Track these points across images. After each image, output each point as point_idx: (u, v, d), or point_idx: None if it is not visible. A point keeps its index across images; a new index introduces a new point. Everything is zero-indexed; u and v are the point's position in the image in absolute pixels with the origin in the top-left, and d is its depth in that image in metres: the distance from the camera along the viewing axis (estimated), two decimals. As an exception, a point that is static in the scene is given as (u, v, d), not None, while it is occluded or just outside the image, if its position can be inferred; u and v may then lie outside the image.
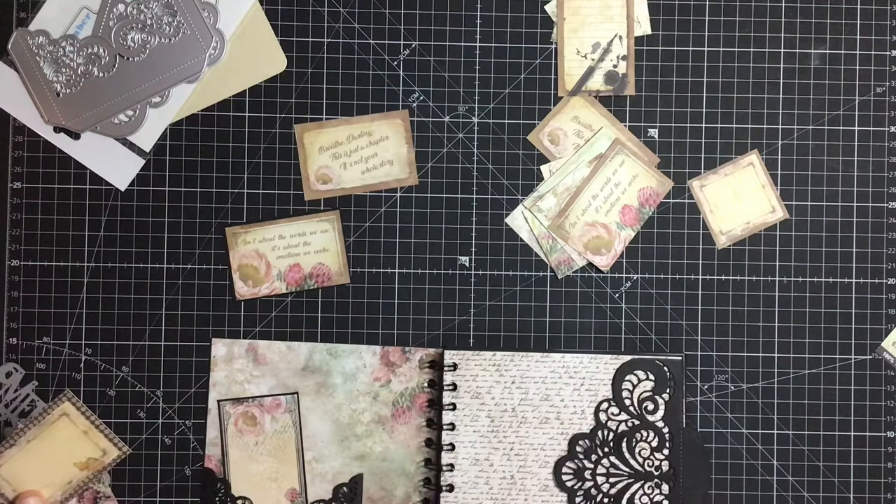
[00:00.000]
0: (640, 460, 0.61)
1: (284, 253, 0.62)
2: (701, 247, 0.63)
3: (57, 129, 0.62)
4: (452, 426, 0.61)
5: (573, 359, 0.62)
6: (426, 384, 0.62)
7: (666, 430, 0.62)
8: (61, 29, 0.61)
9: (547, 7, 0.63)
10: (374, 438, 0.62)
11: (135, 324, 0.62)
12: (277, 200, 0.63)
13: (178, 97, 0.62)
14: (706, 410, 0.63)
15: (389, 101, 0.63)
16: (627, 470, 0.61)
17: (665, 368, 0.62)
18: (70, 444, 0.59)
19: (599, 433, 0.62)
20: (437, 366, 0.62)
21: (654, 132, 0.63)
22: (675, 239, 0.63)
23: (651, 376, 0.62)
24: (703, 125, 0.63)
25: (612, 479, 0.61)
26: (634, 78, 0.63)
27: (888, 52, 0.64)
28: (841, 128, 0.64)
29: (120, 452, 0.60)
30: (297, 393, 0.62)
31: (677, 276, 0.63)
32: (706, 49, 0.63)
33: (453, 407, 0.61)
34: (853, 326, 0.63)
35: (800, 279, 0.63)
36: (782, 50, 0.64)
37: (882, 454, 0.63)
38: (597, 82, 0.63)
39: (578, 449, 0.61)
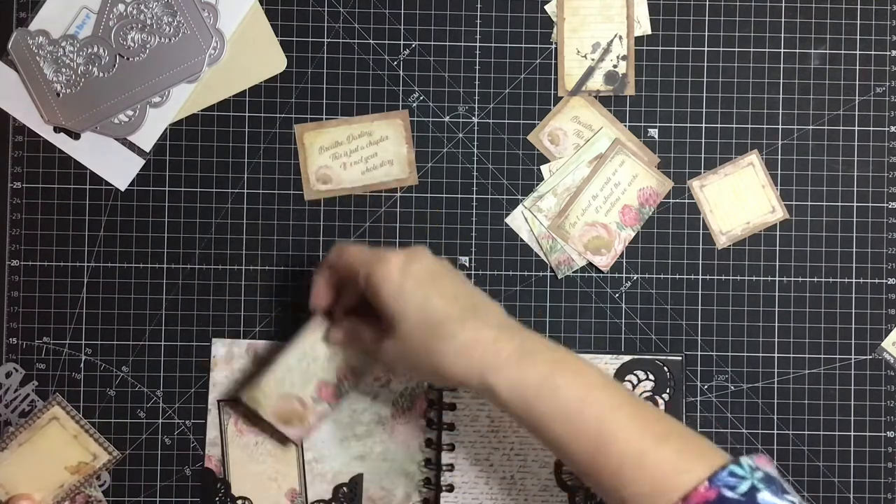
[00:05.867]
0: (640, 460, 0.61)
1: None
2: (701, 247, 0.63)
3: (57, 129, 0.62)
4: (452, 426, 0.61)
5: (573, 359, 0.62)
6: (426, 384, 0.62)
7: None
8: (61, 29, 0.61)
9: (547, 7, 0.63)
10: (374, 438, 0.62)
11: (135, 324, 0.62)
12: (277, 200, 0.63)
13: (178, 97, 0.62)
14: (706, 410, 0.63)
15: (389, 101, 0.63)
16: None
17: (665, 368, 0.62)
18: (61, 447, 0.59)
19: (599, 433, 0.62)
20: (437, 366, 0.62)
21: (654, 132, 0.63)
22: (675, 239, 0.63)
23: (651, 376, 0.62)
24: (703, 125, 0.63)
25: (612, 479, 0.61)
26: (634, 78, 0.63)
27: (888, 52, 0.64)
28: (841, 128, 0.64)
29: (110, 457, 0.60)
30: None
31: (677, 276, 0.63)
32: (706, 49, 0.63)
33: (453, 407, 0.61)
34: (853, 326, 0.63)
35: (800, 279, 0.63)
36: (782, 50, 0.64)
37: (882, 454, 0.63)
38: (597, 82, 0.63)
39: (578, 449, 0.61)
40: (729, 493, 0.44)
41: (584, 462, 0.47)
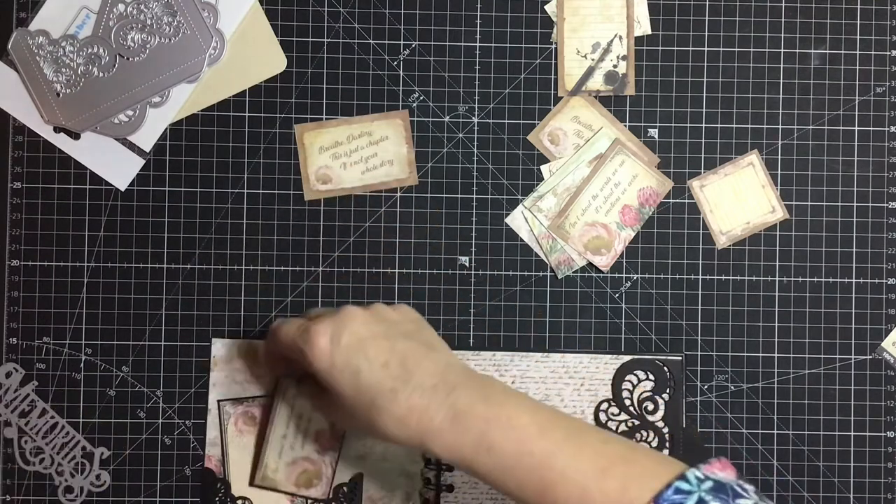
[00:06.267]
0: (640, 460, 0.61)
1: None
2: (701, 247, 0.63)
3: (57, 129, 0.62)
4: (452, 426, 0.61)
5: (573, 359, 0.62)
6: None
7: (666, 430, 0.62)
8: (61, 29, 0.61)
9: (547, 7, 0.63)
10: (375, 438, 0.62)
11: (135, 324, 0.62)
12: (277, 200, 0.63)
13: (178, 97, 0.62)
14: (706, 410, 0.63)
15: (389, 101, 0.63)
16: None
17: (665, 368, 0.62)
18: None
19: (599, 433, 0.62)
20: (437, 366, 0.62)
21: (654, 132, 0.63)
22: (675, 239, 0.63)
23: (651, 376, 0.62)
24: (703, 125, 0.63)
25: (612, 479, 0.61)
26: (634, 78, 0.63)
27: (888, 52, 0.64)
28: (841, 128, 0.64)
29: None
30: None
31: (677, 276, 0.63)
32: (706, 49, 0.63)
33: (453, 407, 0.61)
34: (853, 326, 0.63)
35: (800, 279, 0.63)
36: (782, 50, 0.64)
37: (882, 454, 0.63)
38: (597, 82, 0.63)
39: (578, 449, 0.61)
40: None
41: (538, 502, 0.47)
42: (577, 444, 0.47)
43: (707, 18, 0.63)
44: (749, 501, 0.44)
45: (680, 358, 0.62)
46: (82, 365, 0.62)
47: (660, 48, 0.63)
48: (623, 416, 0.62)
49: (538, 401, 0.50)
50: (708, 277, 0.63)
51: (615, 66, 0.63)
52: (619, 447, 0.48)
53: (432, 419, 0.49)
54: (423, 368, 0.50)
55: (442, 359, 0.51)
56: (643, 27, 0.63)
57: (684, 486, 0.44)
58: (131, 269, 0.62)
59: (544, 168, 0.63)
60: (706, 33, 0.63)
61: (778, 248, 0.63)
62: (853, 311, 0.63)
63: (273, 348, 0.57)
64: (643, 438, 0.61)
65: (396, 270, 0.63)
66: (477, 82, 0.63)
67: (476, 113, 0.63)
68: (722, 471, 0.46)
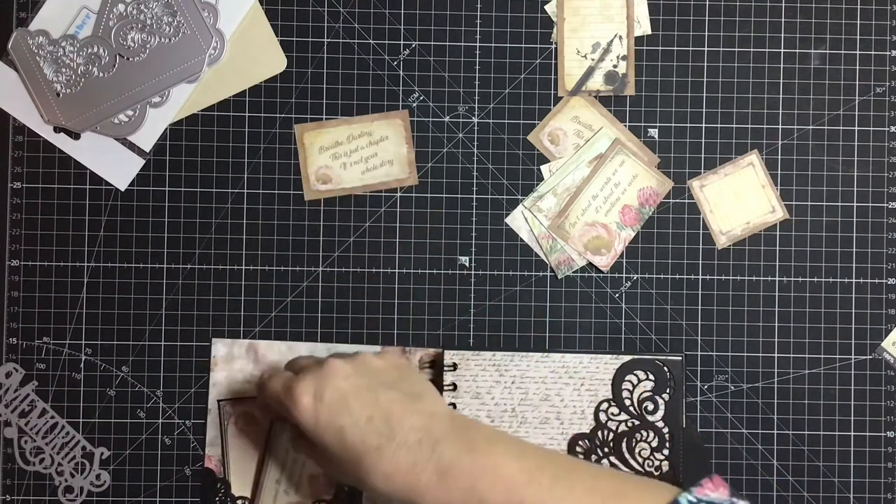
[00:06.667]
0: (640, 460, 0.61)
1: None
2: (701, 247, 0.63)
3: (57, 129, 0.62)
4: (452, 426, 0.61)
5: (573, 359, 0.62)
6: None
7: (666, 430, 0.62)
8: (61, 29, 0.61)
9: (547, 7, 0.63)
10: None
11: (135, 324, 0.62)
12: (277, 200, 0.63)
13: (178, 97, 0.62)
14: (706, 410, 0.63)
15: (389, 101, 0.63)
16: (627, 470, 0.61)
17: (665, 368, 0.62)
18: None
19: (599, 433, 0.62)
20: (437, 366, 0.62)
21: (654, 132, 0.63)
22: (675, 239, 0.63)
23: (651, 376, 0.62)
24: (703, 125, 0.63)
25: (612, 479, 0.61)
26: (634, 78, 0.63)
27: (888, 52, 0.64)
28: (841, 128, 0.64)
29: None
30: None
31: (677, 276, 0.63)
32: (706, 49, 0.63)
33: (453, 407, 0.61)
34: (853, 326, 0.63)
35: (800, 279, 0.63)
36: (782, 50, 0.64)
37: (882, 454, 0.63)
38: (597, 82, 0.63)
39: (578, 449, 0.61)
40: None
41: None
42: (567, 486, 0.47)
43: (707, 18, 0.63)
44: None
45: (680, 358, 0.62)
46: (82, 365, 0.62)
47: (660, 48, 0.63)
48: (623, 416, 0.62)
49: (524, 441, 0.50)
50: (708, 277, 0.63)
51: (615, 66, 0.63)
52: (609, 482, 0.48)
53: (419, 476, 0.48)
54: (406, 423, 0.50)
55: (427, 409, 0.51)
56: (643, 27, 0.63)
57: None
58: (131, 269, 0.62)
59: (544, 168, 0.63)
60: (706, 33, 0.63)
61: (778, 248, 0.63)
62: (853, 311, 0.63)
63: (262, 401, 0.58)
64: (643, 438, 0.61)
65: (396, 270, 0.63)
66: (477, 82, 0.63)
67: (476, 113, 0.63)
68: (714, 490, 0.46)
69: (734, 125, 0.63)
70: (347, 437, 0.50)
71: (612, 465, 0.61)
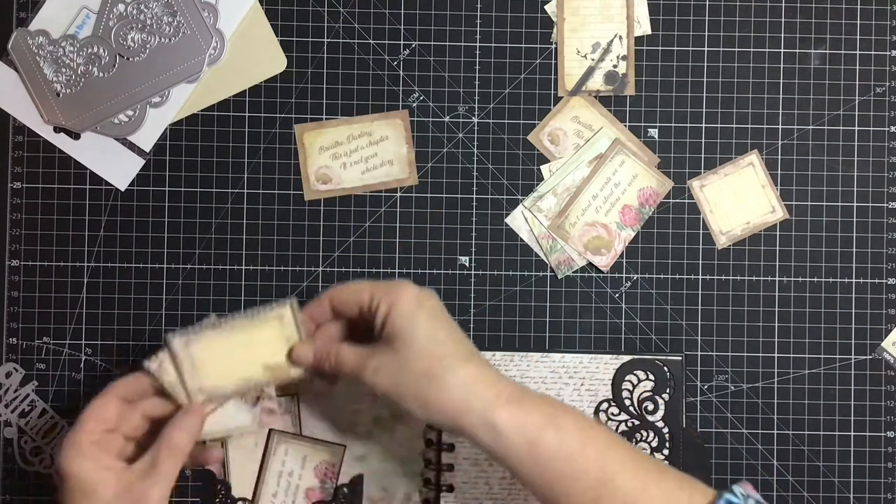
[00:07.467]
0: (640, 460, 0.61)
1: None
2: (701, 247, 0.63)
3: (57, 129, 0.62)
4: (452, 426, 0.61)
5: (573, 359, 0.62)
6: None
7: (666, 430, 0.62)
8: (61, 29, 0.61)
9: (547, 7, 0.63)
10: (374, 439, 0.62)
11: (135, 324, 0.62)
12: (277, 200, 0.63)
13: (178, 97, 0.62)
14: (706, 410, 0.63)
15: (389, 101, 0.63)
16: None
17: (665, 368, 0.62)
18: (268, 346, 0.55)
19: (599, 433, 0.62)
20: (437, 366, 0.62)
21: (654, 132, 0.63)
22: (675, 239, 0.63)
23: (651, 376, 0.62)
24: (703, 125, 0.63)
25: (612, 479, 0.61)
26: (634, 78, 0.63)
27: (888, 52, 0.64)
28: (841, 128, 0.64)
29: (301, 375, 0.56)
30: (296, 394, 0.62)
31: (677, 276, 0.63)
32: (706, 49, 0.63)
33: (453, 407, 0.61)
34: (853, 326, 0.63)
35: (800, 279, 0.63)
36: (782, 50, 0.64)
37: (882, 454, 0.63)
38: (597, 82, 0.63)
39: (578, 449, 0.61)
40: None
41: (586, 501, 0.47)
42: (629, 445, 0.49)
43: (707, 18, 0.63)
44: None
45: (680, 358, 0.62)
46: (82, 365, 0.62)
47: (660, 48, 0.63)
48: (623, 416, 0.62)
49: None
50: (708, 277, 0.63)
51: (615, 66, 0.63)
52: (666, 466, 0.49)
53: (502, 390, 0.48)
54: (484, 359, 0.51)
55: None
56: (643, 27, 0.63)
57: (733, 499, 0.46)
58: (131, 269, 0.62)
59: (544, 168, 0.63)
60: (706, 33, 0.63)
61: (778, 248, 0.63)
62: (853, 311, 0.63)
63: (317, 310, 0.55)
64: (643, 438, 0.61)
65: (396, 270, 0.63)
66: (477, 82, 0.63)
67: (476, 113, 0.63)
68: (754, 492, 0.47)
69: (734, 125, 0.63)
70: (440, 335, 0.50)
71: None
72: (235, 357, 0.54)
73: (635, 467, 0.47)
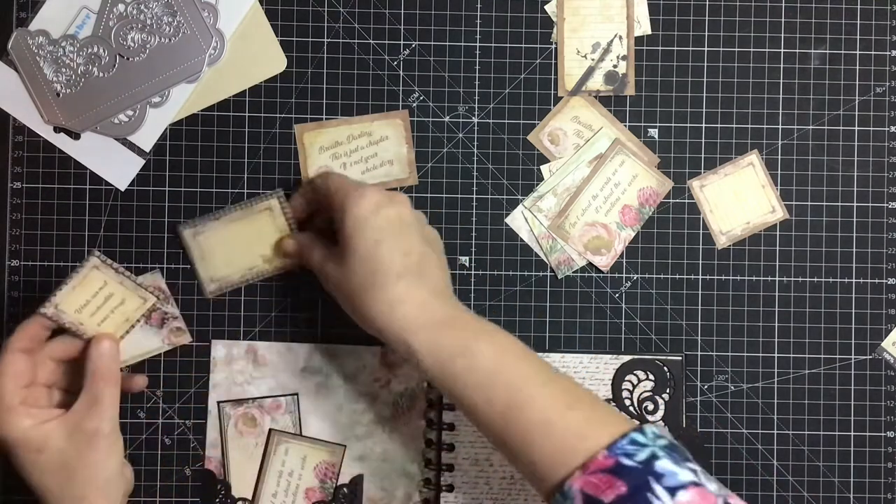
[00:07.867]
0: (641, 460, 0.61)
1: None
2: (701, 247, 0.63)
3: (57, 129, 0.62)
4: (452, 426, 0.61)
5: (573, 359, 0.62)
6: (426, 384, 0.62)
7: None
8: (61, 29, 0.61)
9: (547, 7, 0.63)
10: (374, 439, 0.62)
11: (135, 324, 0.62)
12: (277, 200, 0.63)
13: (178, 97, 0.62)
14: (706, 410, 0.63)
15: (389, 101, 0.63)
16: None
17: (665, 368, 0.62)
18: (263, 237, 0.60)
19: (599, 433, 0.62)
20: (437, 366, 0.62)
21: (654, 132, 0.63)
22: (675, 239, 0.63)
23: (651, 376, 0.62)
24: (703, 125, 0.63)
25: (612, 480, 0.61)
26: (634, 78, 0.63)
27: (888, 52, 0.64)
28: (841, 128, 0.64)
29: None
30: (297, 394, 0.62)
31: (677, 276, 0.63)
32: (706, 49, 0.63)
33: (453, 407, 0.61)
34: (853, 326, 0.63)
35: (800, 279, 0.63)
36: (782, 50, 0.64)
37: (882, 454, 0.63)
38: (597, 82, 0.63)
39: (578, 449, 0.61)
40: (627, 461, 0.44)
41: (496, 428, 0.48)
42: (550, 376, 0.49)
43: (707, 18, 0.63)
44: (697, 467, 0.45)
45: (680, 358, 0.62)
46: (82, 365, 0.62)
47: (660, 48, 0.63)
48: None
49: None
50: (708, 277, 0.63)
51: (615, 66, 0.63)
52: (586, 393, 0.50)
53: (422, 314, 0.49)
54: (434, 276, 0.52)
55: (449, 283, 0.54)
56: (643, 27, 0.63)
57: (640, 438, 0.46)
58: (131, 270, 0.62)
59: (544, 168, 0.63)
60: (706, 33, 0.63)
61: (778, 248, 0.63)
62: (853, 311, 0.63)
63: (317, 185, 0.57)
64: (643, 438, 0.61)
65: (396, 270, 0.63)
66: (477, 82, 0.63)
67: (476, 113, 0.63)
68: (667, 434, 0.48)
69: (734, 125, 0.63)
70: (381, 249, 0.51)
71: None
72: (236, 247, 0.60)
73: (545, 400, 0.48)
